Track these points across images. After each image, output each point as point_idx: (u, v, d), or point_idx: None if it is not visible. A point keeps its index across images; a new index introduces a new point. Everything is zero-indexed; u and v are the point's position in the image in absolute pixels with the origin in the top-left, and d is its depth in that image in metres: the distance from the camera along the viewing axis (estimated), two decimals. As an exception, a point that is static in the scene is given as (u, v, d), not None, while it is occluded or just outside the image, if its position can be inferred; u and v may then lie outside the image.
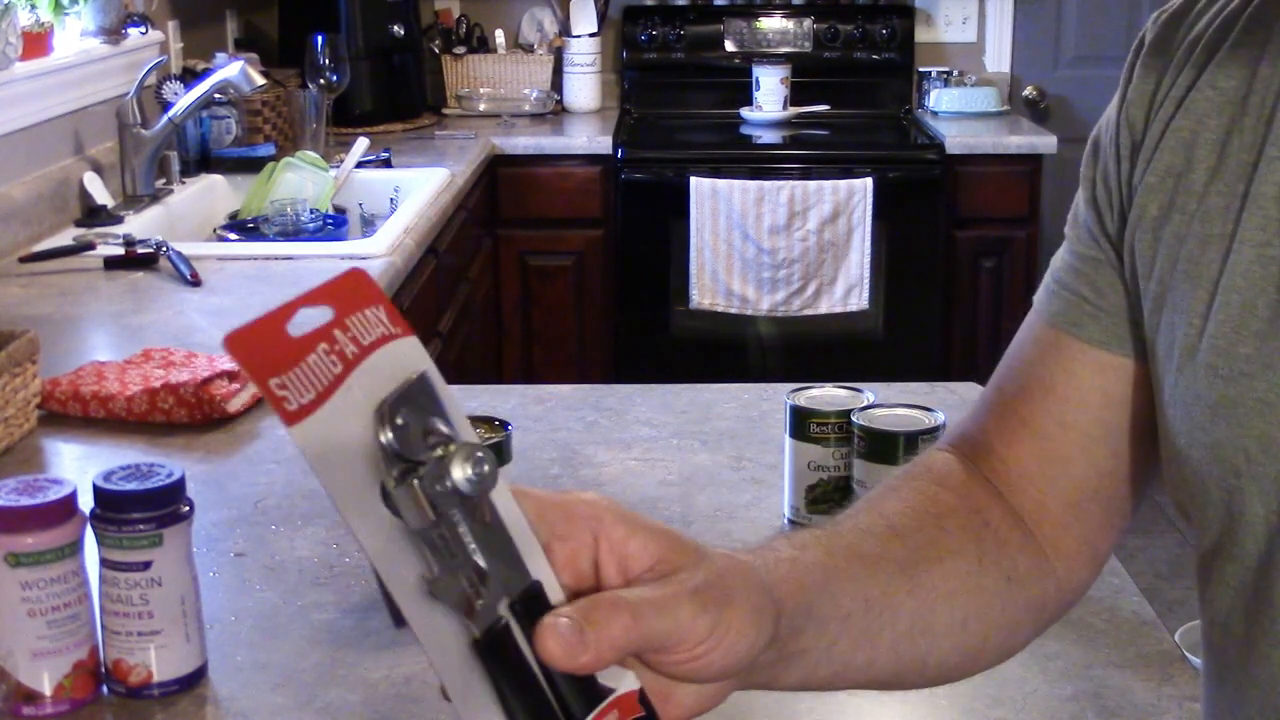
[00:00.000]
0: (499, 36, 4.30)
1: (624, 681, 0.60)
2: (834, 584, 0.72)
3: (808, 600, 0.69)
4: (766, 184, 3.65)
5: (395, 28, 3.89)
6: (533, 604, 0.58)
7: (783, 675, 0.70)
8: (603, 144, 3.78)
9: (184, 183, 2.98)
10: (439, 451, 0.56)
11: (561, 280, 3.84)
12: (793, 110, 4.08)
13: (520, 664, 0.58)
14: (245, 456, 1.50)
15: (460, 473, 0.55)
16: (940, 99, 4.13)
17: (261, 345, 0.58)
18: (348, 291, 0.59)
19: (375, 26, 3.85)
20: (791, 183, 3.66)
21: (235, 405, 1.60)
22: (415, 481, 0.55)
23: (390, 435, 0.56)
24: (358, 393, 0.57)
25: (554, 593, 0.60)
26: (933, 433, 1.23)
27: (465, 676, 0.57)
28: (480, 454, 0.56)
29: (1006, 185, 3.82)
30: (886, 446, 1.22)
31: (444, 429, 0.58)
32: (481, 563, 0.57)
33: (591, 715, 0.59)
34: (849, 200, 3.65)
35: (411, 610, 0.56)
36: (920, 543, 0.78)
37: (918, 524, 0.79)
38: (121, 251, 2.35)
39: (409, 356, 0.61)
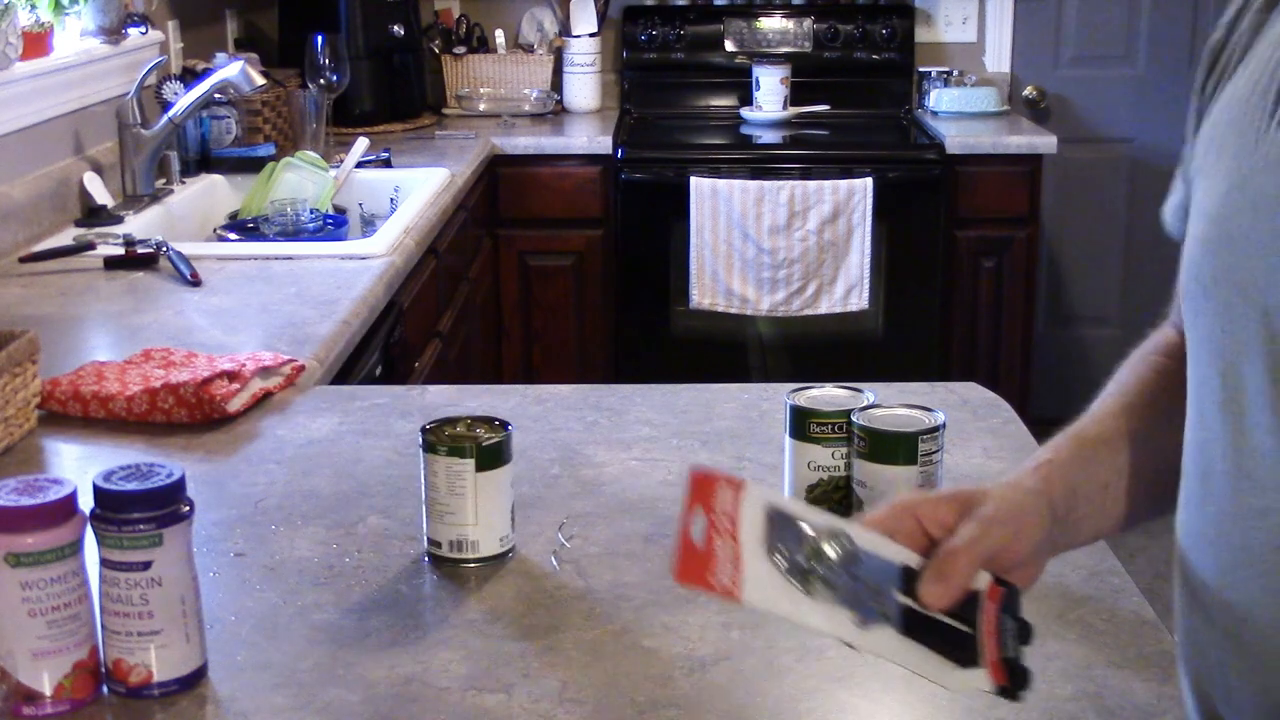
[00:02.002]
0: (499, 36, 4.30)
1: (981, 580, 0.89)
2: (1088, 467, 0.99)
3: (1070, 485, 0.97)
4: (766, 184, 3.65)
5: (395, 28, 3.89)
6: (909, 579, 0.88)
7: (1075, 538, 1.00)
8: (603, 144, 3.78)
9: (184, 183, 2.98)
10: (810, 546, 0.86)
11: (561, 280, 3.84)
12: (793, 110, 4.08)
13: (926, 620, 0.87)
14: (245, 456, 1.50)
15: (831, 550, 0.86)
16: (940, 99, 4.12)
17: (697, 563, 0.84)
18: (699, 488, 0.85)
19: (375, 26, 3.85)
20: (791, 183, 3.66)
21: (235, 405, 1.60)
22: (813, 577, 0.86)
23: (785, 564, 0.86)
24: (750, 547, 0.85)
25: (914, 562, 0.89)
26: (933, 433, 1.23)
27: (906, 652, 0.87)
28: (834, 528, 0.87)
29: (1006, 185, 3.81)
30: (886, 446, 1.22)
31: (806, 529, 0.87)
32: (872, 582, 0.87)
33: (980, 615, 0.88)
34: (849, 200, 3.65)
35: (861, 641, 0.86)
36: (1152, 411, 1.03)
37: (1150, 395, 1.04)
38: (121, 251, 2.35)
39: (755, 499, 0.87)
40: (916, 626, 0.87)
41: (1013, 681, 0.88)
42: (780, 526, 0.86)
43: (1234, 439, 0.88)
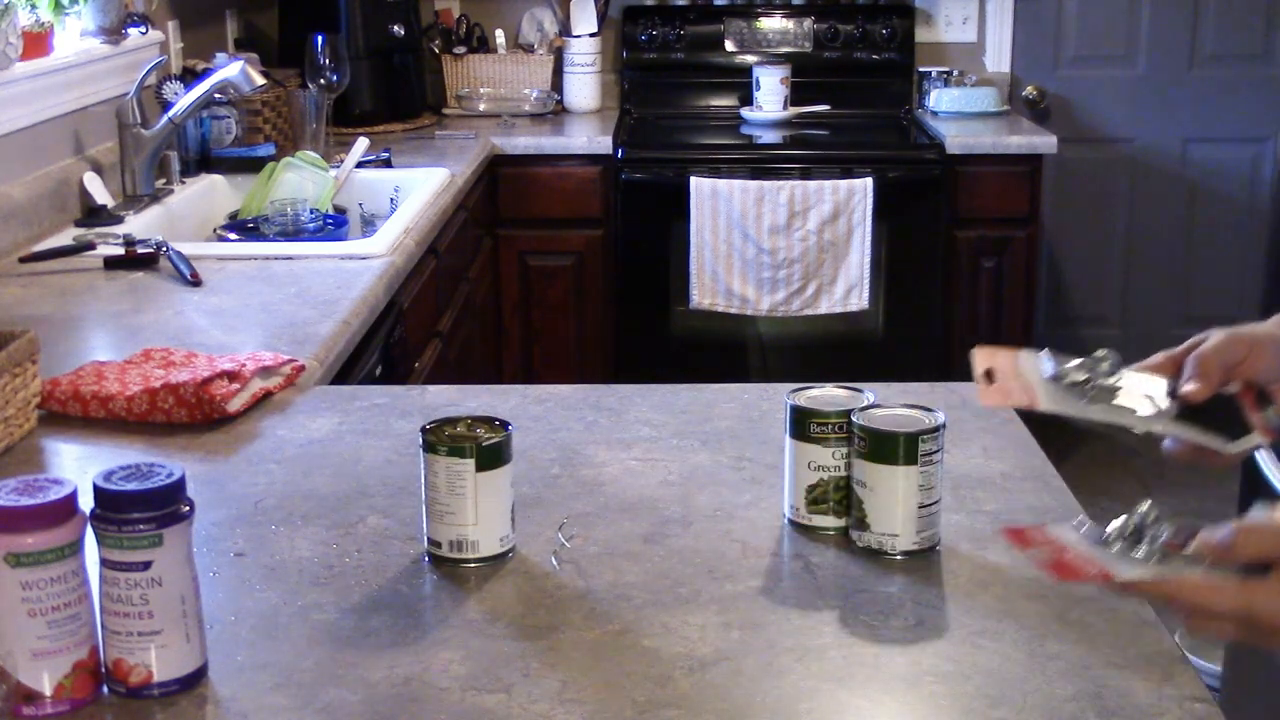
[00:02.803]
0: (499, 36, 4.30)
1: (1233, 386, 1.16)
2: None
3: None
4: (766, 184, 3.65)
5: (395, 28, 3.89)
6: (1172, 391, 1.15)
7: None
8: (603, 144, 3.78)
9: (184, 183, 2.98)
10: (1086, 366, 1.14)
11: (561, 280, 3.84)
12: (793, 110, 4.08)
13: (1195, 411, 1.11)
14: (245, 456, 1.50)
15: (1105, 365, 1.15)
16: (940, 99, 4.13)
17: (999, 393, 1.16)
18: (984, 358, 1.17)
19: (375, 26, 3.85)
20: (791, 183, 3.66)
21: (235, 405, 1.60)
22: (1090, 387, 1.15)
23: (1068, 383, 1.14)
24: (1037, 379, 1.15)
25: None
26: (933, 433, 1.23)
27: (1181, 429, 1.11)
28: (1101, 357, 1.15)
29: (1006, 185, 3.81)
30: (886, 446, 1.22)
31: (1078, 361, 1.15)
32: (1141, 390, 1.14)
33: (1241, 404, 1.14)
34: (849, 200, 3.65)
35: (1141, 424, 1.11)
36: None
37: None
38: (121, 251, 2.34)
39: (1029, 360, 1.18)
40: (1187, 417, 1.11)
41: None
42: (1059, 364, 1.15)
43: None
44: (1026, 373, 1.15)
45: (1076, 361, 1.15)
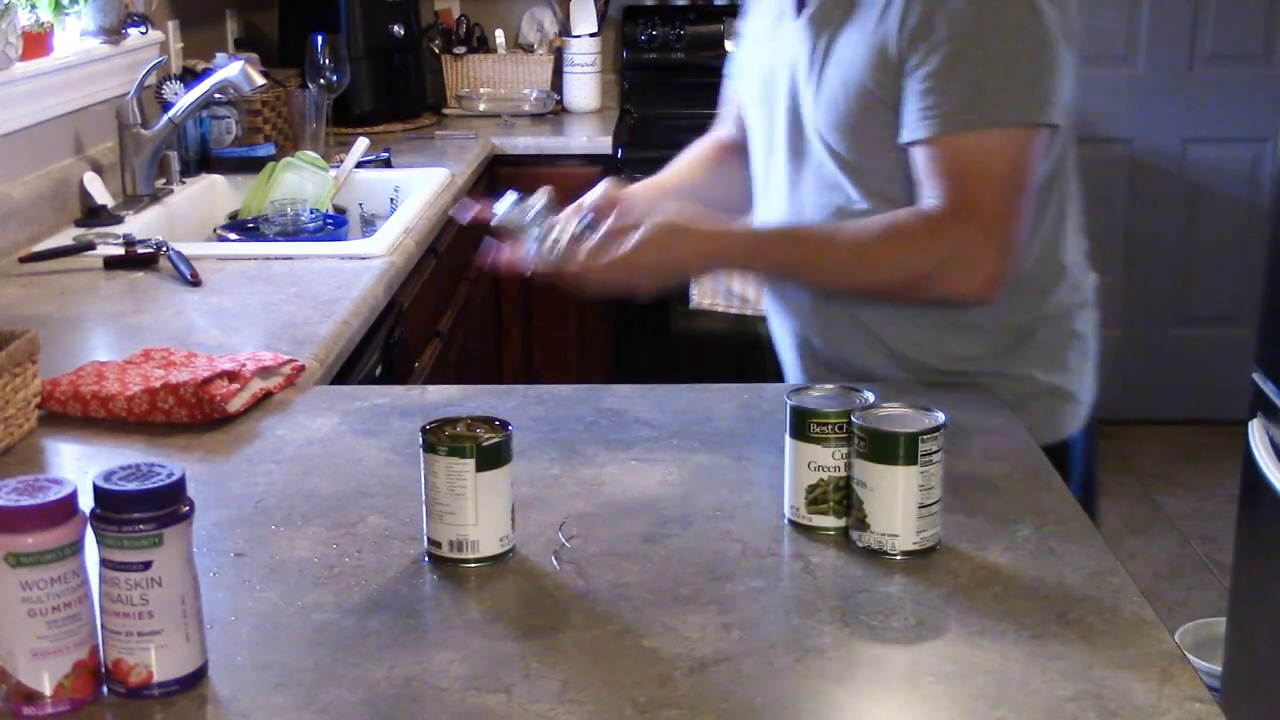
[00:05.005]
0: (499, 36, 4.31)
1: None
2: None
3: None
4: (766, 184, 3.65)
5: (395, 28, 3.89)
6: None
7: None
8: (603, 144, 3.78)
9: (184, 183, 2.98)
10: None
11: (561, 280, 3.84)
12: (793, 110, 4.07)
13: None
14: (245, 456, 1.50)
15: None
16: (940, 99, 4.12)
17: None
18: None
19: (375, 26, 3.85)
20: (791, 183, 3.66)
21: (235, 405, 1.60)
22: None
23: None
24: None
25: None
26: (933, 433, 1.23)
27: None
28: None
29: (1006, 185, 3.80)
30: (886, 446, 1.22)
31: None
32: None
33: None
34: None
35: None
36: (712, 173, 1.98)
37: (702, 165, 2.02)
38: (121, 251, 2.35)
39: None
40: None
41: None
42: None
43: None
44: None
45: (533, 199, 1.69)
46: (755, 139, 1.84)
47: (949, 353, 1.70)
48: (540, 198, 1.69)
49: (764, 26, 1.82)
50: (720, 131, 2.02)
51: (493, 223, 1.70)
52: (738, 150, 1.93)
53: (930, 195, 1.57)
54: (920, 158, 1.58)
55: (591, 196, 1.76)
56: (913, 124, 1.57)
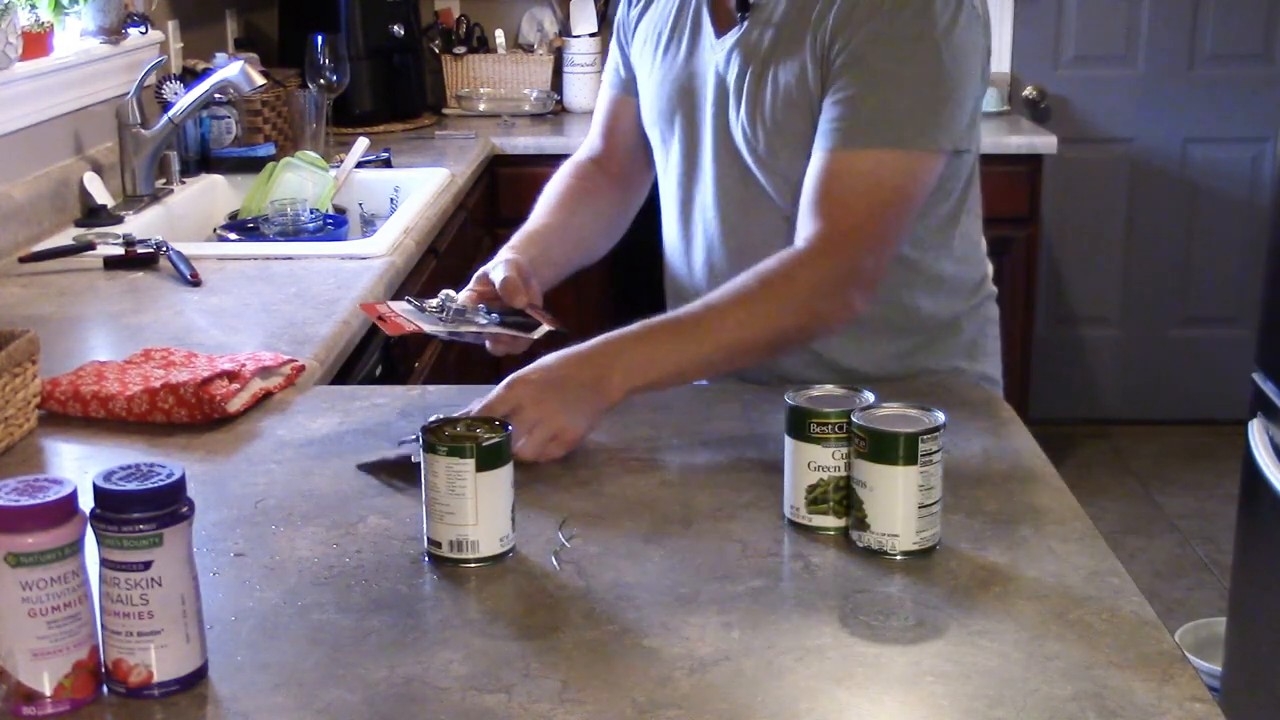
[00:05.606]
0: (499, 36, 4.30)
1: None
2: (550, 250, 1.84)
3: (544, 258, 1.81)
4: (766, 184, 3.64)
5: (395, 28, 3.89)
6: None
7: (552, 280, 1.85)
8: (603, 144, 3.77)
9: (184, 183, 2.98)
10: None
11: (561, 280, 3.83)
12: (793, 110, 4.08)
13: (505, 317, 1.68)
14: (245, 456, 1.50)
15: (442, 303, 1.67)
16: (940, 99, 4.12)
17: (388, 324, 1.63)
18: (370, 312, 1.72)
19: (375, 26, 3.85)
20: (791, 183, 3.65)
21: (235, 405, 1.60)
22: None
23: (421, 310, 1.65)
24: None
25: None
26: (933, 433, 1.23)
27: (492, 330, 1.66)
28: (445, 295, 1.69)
29: (1006, 185, 3.81)
30: (886, 446, 1.22)
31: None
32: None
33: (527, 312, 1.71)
34: (849, 200, 3.64)
35: (462, 330, 1.65)
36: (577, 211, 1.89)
37: (573, 200, 1.89)
38: (121, 251, 2.35)
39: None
40: (510, 324, 1.66)
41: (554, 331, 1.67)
42: (419, 303, 1.66)
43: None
44: (404, 313, 1.63)
45: (432, 300, 1.66)
46: (667, 160, 1.81)
47: (883, 353, 1.75)
48: (436, 301, 1.67)
49: (662, 40, 1.78)
50: (588, 153, 1.95)
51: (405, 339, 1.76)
52: (605, 172, 1.91)
53: (808, 218, 1.60)
54: (817, 165, 1.61)
55: (491, 278, 1.69)
56: (821, 135, 1.62)
